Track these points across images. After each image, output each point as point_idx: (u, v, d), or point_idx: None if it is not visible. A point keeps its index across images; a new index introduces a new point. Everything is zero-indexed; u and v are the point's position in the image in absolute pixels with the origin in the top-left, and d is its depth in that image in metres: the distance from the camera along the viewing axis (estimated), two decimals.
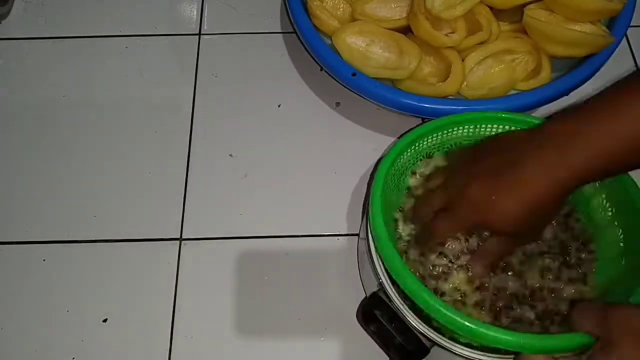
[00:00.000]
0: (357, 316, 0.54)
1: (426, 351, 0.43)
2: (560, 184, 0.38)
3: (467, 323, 0.38)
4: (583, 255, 0.49)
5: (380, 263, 0.45)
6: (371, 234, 0.45)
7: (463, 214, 0.41)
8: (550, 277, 0.48)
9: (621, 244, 0.47)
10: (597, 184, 0.49)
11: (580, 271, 0.48)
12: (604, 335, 0.35)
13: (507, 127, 0.52)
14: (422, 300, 0.40)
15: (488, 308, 0.47)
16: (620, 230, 0.48)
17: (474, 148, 0.47)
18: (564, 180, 0.38)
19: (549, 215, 0.41)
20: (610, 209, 0.49)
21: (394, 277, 0.43)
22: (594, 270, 0.49)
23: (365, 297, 0.52)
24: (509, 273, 0.48)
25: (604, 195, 0.49)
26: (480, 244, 0.47)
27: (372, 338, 0.45)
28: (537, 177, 0.38)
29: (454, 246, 0.47)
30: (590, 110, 0.38)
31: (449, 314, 0.39)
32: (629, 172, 0.45)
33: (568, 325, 0.38)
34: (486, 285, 0.47)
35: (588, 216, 0.50)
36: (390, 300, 0.43)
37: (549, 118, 0.40)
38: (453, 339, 0.42)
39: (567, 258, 0.49)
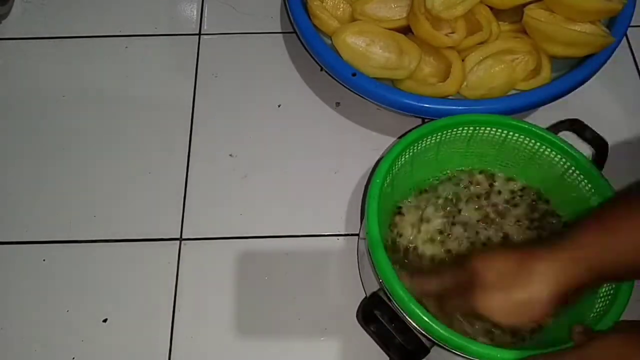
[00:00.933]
0: (357, 316, 0.54)
1: (426, 351, 0.43)
2: (561, 287, 0.39)
3: (446, 334, 0.40)
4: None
5: None
6: (366, 235, 0.46)
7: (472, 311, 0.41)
8: None
9: None
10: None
11: None
12: None
13: (504, 130, 0.52)
14: (408, 309, 0.41)
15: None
16: None
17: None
18: (564, 284, 0.38)
19: (543, 318, 0.42)
20: None
21: (383, 281, 0.43)
22: None
23: (366, 297, 0.52)
24: None
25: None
26: None
27: (372, 338, 0.45)
28: (542, 294, 0.39)
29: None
30: (579, 232, 0.39)
31: (433, 324, 0.40)
32: None
33: None
34: None
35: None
36: (391, 300, 0.43)
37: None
38: None
39: None
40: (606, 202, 0.47)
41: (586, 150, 0.52)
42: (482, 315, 0.40)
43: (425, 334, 0.42)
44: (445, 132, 0.52)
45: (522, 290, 0.39)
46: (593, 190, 0.49)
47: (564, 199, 0.53)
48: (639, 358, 0.34)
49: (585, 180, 0.50)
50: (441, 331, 0.41)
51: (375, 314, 0.44)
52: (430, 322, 0.41)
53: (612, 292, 0.44)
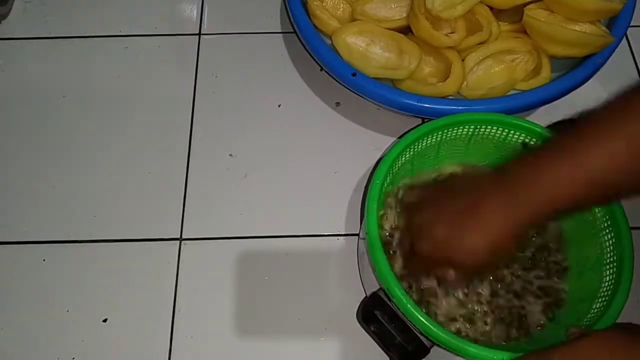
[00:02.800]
0: (357, 316, 0.54)
1: (426, 351, 0.43)
2: (516, 224, 0.39)
3: (445, 336, 0.41)
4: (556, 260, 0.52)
5: None
6: (365, 235, 0.46)
7: (429, 253, 0.42)
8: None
9: (604, 256, 0.48)
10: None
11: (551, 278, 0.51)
12: None
13: (504, 129, 0.52)
14: (407, 310, 0.42)
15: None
16: (604, 245, 0.48)
17: (440, 185, 0.49)
18: (519, 221, 0.39)
19: (507, 252, 0.43)
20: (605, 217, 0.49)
21: (382, 283, 0.43)
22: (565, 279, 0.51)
23: (366, 297, 0.52)
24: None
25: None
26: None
27: (373, 338, 0.45)
28: (496, 218, 0.40)
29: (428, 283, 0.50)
30: (542, 156, 0.39)
31: (431, 326, 0.41)
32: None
33: None
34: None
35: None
36: (391, 300, 0.43)
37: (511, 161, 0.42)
38: None
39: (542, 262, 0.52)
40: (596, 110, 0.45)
41: None
42: (448, 254, 0.41)
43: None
44: (446, 131, 0.52)
45: (481, 212, 0.40)
46: None
47: None
48: (628, 354, 0.34)
49: None
50: (440, 333, 0.41)
51: (376, 314, 0.44)
52: (429, 324, 0.41)
53: (609, 293, 0.44)
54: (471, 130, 0.52)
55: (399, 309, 0.43)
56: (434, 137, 0.52)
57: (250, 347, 0.54)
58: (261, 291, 0.56)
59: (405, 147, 0.49)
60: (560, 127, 0.53)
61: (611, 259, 0.46)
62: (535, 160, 0.39)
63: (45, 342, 0.54)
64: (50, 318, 0.55)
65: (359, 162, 0.62)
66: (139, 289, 0.56)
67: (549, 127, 0.52)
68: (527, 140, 0.51)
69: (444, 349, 0.42)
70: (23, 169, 0.63)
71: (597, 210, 0.48)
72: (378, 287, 0.45)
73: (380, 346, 0.44)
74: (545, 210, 0.38)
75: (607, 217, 0.47)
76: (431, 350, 0.43)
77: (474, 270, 0.44)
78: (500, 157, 0.55)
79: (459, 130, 0.52)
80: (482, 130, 0.52)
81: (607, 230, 0.48)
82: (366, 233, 0.45)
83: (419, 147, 0.52)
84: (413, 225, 0.44)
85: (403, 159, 0.51)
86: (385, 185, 0.48)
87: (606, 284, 0.46)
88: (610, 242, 0.47)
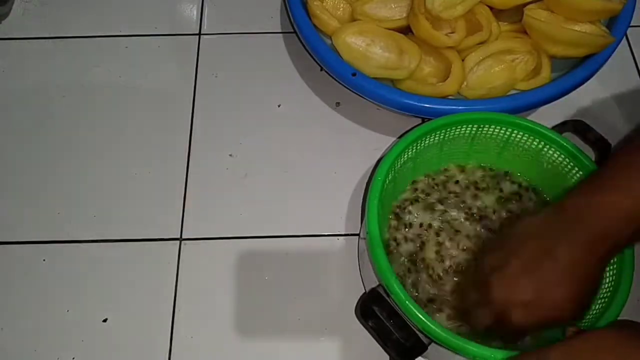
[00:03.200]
0: (355, 312, 0.54)
1: (424, 348, 0.43)
2: (599, 255, 0.38)
3: (443, 334, 0.41)
4: None
5: None
6: (366, 234, 0.46)
7: (518, 320, 0.39)
8: None
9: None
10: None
11: None
12: None
13: (507, 129, 0.52)
14: (406, 308, 0.42)
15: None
16: None
17: (498, 244, 0.44)
18: (601, 251, 0.38)
19: (598, 285, 0.40)
20: None
21: (381, 279, 0.43)
22: None
23: (365, 293, 0.52)
24: None
25: None
26: None
27: (371, 334, 0.45)
28: (576, 257, 0.38)
29: None
30: (605, 177, 0.38)
31: (429, 324, 0.41)
32: None
33: None
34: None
35: None
36: (389, 297, 0.43)
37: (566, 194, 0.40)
38: None
39: None
40: (620, 149, 0.43)
41: (587, 150, 0.52)
42: (540, 316, 0.38)
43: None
44: (448, 130, 0.52)
45: (559, 256, 0.37)
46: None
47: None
48: (624, 351, 0.34)
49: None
50: (438, 330, 0.41)
51: (374, 310, 0.44)
52: (427, 322, 0.41)
53: (609, 293, 0.44)
54: (474, 129, 0.52)
55: (397, 305, 0.43)
56: (436, 136, 0.52)
57: (250, 347, 0.54)
58: (261, 291, 0.56)
59: (407, 145, 0.49)
60: (563, 129, 0.53)
61: (612, 259, 0.46)
62: (591, 187, 0.38)
63: (45, 342, 0.54)
64: (50, 318, 0.55)
65: (359, 162, 0.62)
66: (139, 289, 0.56)
67: (554, 128, 0.52)
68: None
69: (442, 346, 0.42)
70: (23, 168, 0.63)
71: None
72: (377, 283, 0.45)
73: (378, 342, 0.44)
74: (624, 231, 0.37)
75: None
76: (429, 347, 0.43)
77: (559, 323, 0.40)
78: (502, 157, 0.55)
79: (461, 130, 0.52)
80: (484, 129, 0.52)
81: None
82: (367, 230, 0.45)
83: (421, 146, 0.52)
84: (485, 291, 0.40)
85: (405, 157, 0.51)
86: (387, 182, 0.48)
87: (606, 284, 0.46)
88: None
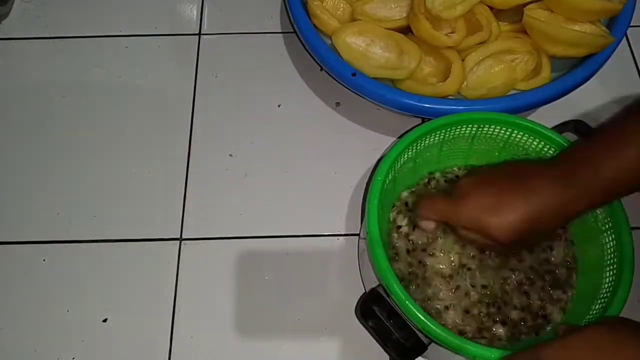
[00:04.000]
0: (355, 311, 0.54)
1: (424, 348, 0.43)
2: (565, 209, 0.40)
3: (443, 334, 0.41)
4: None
5: None
6: (366, 234, 0.46)
7: (463, 211, 0.42)
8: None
9: (605, 257, 0.48)
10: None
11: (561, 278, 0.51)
12: None
13: (508, 129, 0.52)
14: (407, 309, 0.42)
15: (472, 315, 0.49)
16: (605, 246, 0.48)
17: (485, 170, 0.48)
18: (569, 202, 0.39)
19: (545, 235, 0.42)
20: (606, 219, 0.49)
21: (381, 279, 0.43)
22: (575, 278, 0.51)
23: (365, 292, 0.52)
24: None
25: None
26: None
27: (371, 334, 0.45)
28: (546, 192, 0.39)
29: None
30: (596, 141, 0.40)
31: (428, 323, 0.41)
32: None
33: None
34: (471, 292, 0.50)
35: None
36: (389, 296, 0.43)
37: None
38: None
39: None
40: (611, 121, 0.48)
41: None
42: (483, 221, 0.40)
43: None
44: (447, 130, 0.52)
45: (528, 185, 0.40)
46: None
47: None
48: (616, 347, 0.34)
49: None
50: (438, 330, 0.41)
51: (374, 310, 0.44)
52: (426, 321, 0.41)
53: (609, 294, 0.44)
54: (474, 129, 0.52)
55: (397, 305, 0.43)
56: (436, 136, 0.52)
57: (250, 347, 0.54)
58: (261, 291, 0.56)
59: (407, 145, 0.49)
60: (563, 129, 0.53)
61: (612, 260, 0.47)
62: (589, 147, 0.40)
63: (45, 342, 0.54)
64: (50, 318, 0.55)
65: (359, 162, 0.62)
66: (139, 289, 0.56)
67: (554, 128, 0.52)
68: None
69: (442, 346, 0.42)
70: (23, 168, 0.63)
71: (599, 212, 0.48)
72: (377, 283, 0.45)
73: (377, 342, 0.44)
74: (598, 195, 0.39)
75: (609, 218, 0.47)
76: (429, 347, 0.43)
77: (504, 243, 0.41)
78: (502, 157, 0.55)
79: (461, 130, 0.52)
80: (484, 129, 0.52)
81: (609, 232, 0.48)
82: (367, 230, 0.45)
83: (421, 145, 0.52)
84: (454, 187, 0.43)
85: (405, 157, 0.51)
86: (387, 182, 0.48)
87: (606, 285, 0.46)
88: (611, 243, 0.47)
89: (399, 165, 0.50)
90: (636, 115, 0.39)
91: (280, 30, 0.72)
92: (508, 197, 0.40)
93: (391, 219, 0.54)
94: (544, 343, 0.36)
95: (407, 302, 0.41)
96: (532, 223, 0.39)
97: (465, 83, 0.60)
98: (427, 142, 0.52)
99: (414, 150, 0.51)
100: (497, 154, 0.55)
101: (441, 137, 0.52)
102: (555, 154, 0.50)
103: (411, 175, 0.55)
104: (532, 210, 0.39)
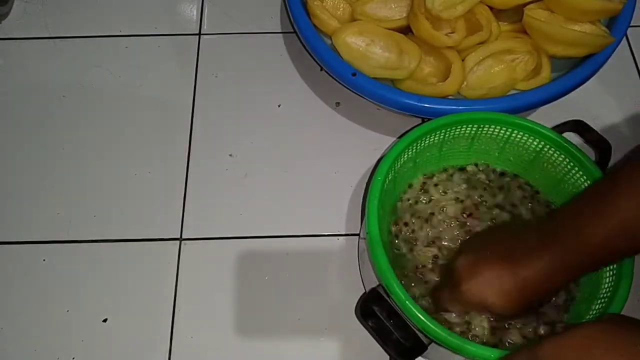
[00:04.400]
0: (355, 312, 0.54)
1: (424, 348, 0.43)
2: (554, 277, 0.40)
3: (443, 333, 0.41)
4: None
5: None
6: (366, 234, 0.46)
7: (461, 288, 0.43)
8: None
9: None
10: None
11: None
12: None
13: (507, 129, 0.52)
14: (406, 308, 0.42)
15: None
16: None
17: (482, 236, 0.50)
18: (557, 273, 0.40)
19: (541, 302, 0.44)
20: None
21: (381, 280, 0.43)
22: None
23: (365, 292, 0.52)
24: None
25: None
26: None
27: (370, 334, 0.45)
28: (529, 267, 0.40)
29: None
30: (585, 199, 0.40)
31: (429, 324, 0.41)
32: None
33: None
34: None
35: None
36: (389, 296, 0.43)
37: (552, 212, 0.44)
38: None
39: None
40: (595, 182, 0.47)
41: (587, 150, 0.52)
42: (480, 296, 0.41)
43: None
44: (447, 130, 0.52)
45: (520, 256, 0.40)
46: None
47: (565, 200, 0.53)
48: (612, 344, 0.34)
49: (588, 182, 0.50)
50: (438, 330, 0.41)
51: (374, 310, 0.44)
52: (426, 321, 0.41)
53: (609, 294, 0.44)
54: (474, 129, 0.52)
55: (397, 305, 0.43)
56: (436, 136, 0.52)
57: (250, 347, 0.54)
58: (261, 291, 0.56)
59: (407, 144, 0.49)
60: (563, 129, 0.53)
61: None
62: (574, 209, 0.40)
63: (45, 342, 0.54)
64: (50, 318, 0.55)
65: (359, 162, 0.62)
66: (139, 289, 0.56)
67: (554, 128, 0.52)
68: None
69: (442, 346, 0.42)
70: (23, 168, 0.63)
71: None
72: (377, 283, 0.45)
73: (377, 342, 0.44)
74: (586, 262, 0.39)
75: None
76: (429, 347, 0.43)
77: (501, 314, 0.43)
78: (502, 157, 0.55)
79: (461, 130, 0.52)
80: (484, 129, 0.52)
81: None
82: (367, 231, 0.45)
83: (421, 145, 0.52)
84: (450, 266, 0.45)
85: (405, 156, 0.51)
86: (387, 182, 0.48)
87: (606, 285, 0.46)
88: None
89: (398, 165, 0.50)
90: (630, 168, 0.38)
91: (280, 30, 0.72)
92: (497, 272, 0.41)
93: (391, 219, 0.54)
94: (539, 342, 0.36)
95: (407, 302, 0.41)
96: (525, 293, 0.41)
97: (465, 83, 0.60)
98: (427, 142, 0.52)
99: (414, 150, 0.51)
100: (497, 154, 0.55)
101: (441, 137, 0.52)
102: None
103: (411, 175, 0.55)
104: (519, 283, 0.40)
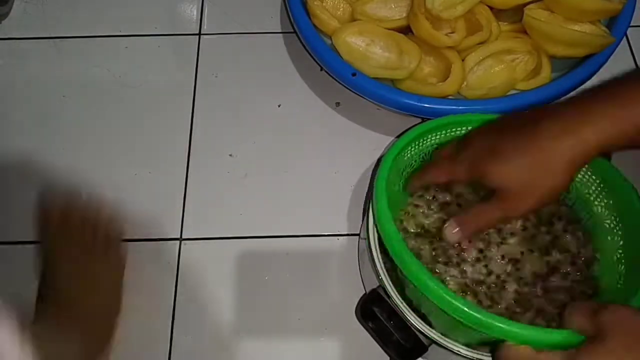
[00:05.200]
0: (355, 312, 0.54)
1: (424, 349, 0.43)
2: (572, 153, 0.38)
3: (460, 305, 0.37)
4: (584, 257, 0.50)
5: (380, 260, 0.45)
6: (373, 216, 0.45)
7: (464, 158, 0.41)
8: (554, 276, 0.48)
9: (620, 251, 0.47)
10: (602, 192, 0.49)
11: (582, 272, 0.49)
12: (595, 334, 0.34)
13: None
14: (419, 281, 0.39)
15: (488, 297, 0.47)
16: (620, 238, 0.48)
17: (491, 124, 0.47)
18: (576, 148, 0.38)
19: (550, 185, 0.39)
20: (612, 215, 0.48)
21: (388, 249, 0.41)
22: (595, 272, 0.49)
23: (365, 293, 0.52)
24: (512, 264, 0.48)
25: (605, 201, 0.49)
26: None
27: (371, 335, 0.45)
28: (549, 139, 0.38)
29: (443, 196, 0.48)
30: (606, 92, 0.39)
31: (445, 294, 0.38)
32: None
33: (560, 321, 0.38)
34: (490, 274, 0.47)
35: (589, 222, 0.51)
36: (389, 297, 0.43)
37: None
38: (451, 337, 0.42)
39: (571, 258, 0.49)
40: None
41: None
42: (486, 164, 0.39)
43: (427, 331, 0.42)
44: (447, 130, 0.51)
45: (533, 130, 0.38)
46: (600, 188, 0.49)
47: (567, 195, 0.53)
48: None
49: (592, 177, 0.50)
50: (438, 332, 0.41)
51: (374, 311, 0.44)
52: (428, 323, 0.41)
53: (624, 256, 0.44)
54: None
55: (397, 305, 0.43)
56: (436, 136, 0.52)
57: (250, 347, 0.54)
58: (261, 291, 0.56)
59: (408, 142, 0.48)
60: None
61: (615, 222, 0.47)
62: (597, 95, 0.39)
63: None
64: None
65: (359, 162, 0.62)
66: (139, 289, 0.56)
67: None
68: None
69: (442, 347, 0.42)
70: (22, 168, 0.63)
71: (602, 211, 0.48)
72: (377, 284, 0.45)
73: (378, 343, 0.44)
74: (605, 140, 0.37)
75: (614, 216, 0.48)
76: (429, 348, 0.43)
77: (504, 201, 0.39)
78: None
79: (461, 130, 0.52)
80: None
81: (616, 230, 0.48)
82: (376, 210, 0.43)
83: (421, 145, 0.51)
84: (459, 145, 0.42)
85: (408, 154, 0.50)
86: (389, 176, 0.48)
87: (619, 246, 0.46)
88: (619, 244, 0.47)
89: (401, 164, 0.50)
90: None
91: (280, 30, 0.72)
92: (511, 141, 0.38)
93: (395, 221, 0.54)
94: (582, 348, 0.34)
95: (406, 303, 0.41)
96: (535, 172, 0.38)
97: (465, 83, 0.60)
98: (427, 142, 0.52)
99: (415, 150, 0.51)
100: None
101: (441, 137, 0.52)
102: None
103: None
104: (533, 160, 0.38)
